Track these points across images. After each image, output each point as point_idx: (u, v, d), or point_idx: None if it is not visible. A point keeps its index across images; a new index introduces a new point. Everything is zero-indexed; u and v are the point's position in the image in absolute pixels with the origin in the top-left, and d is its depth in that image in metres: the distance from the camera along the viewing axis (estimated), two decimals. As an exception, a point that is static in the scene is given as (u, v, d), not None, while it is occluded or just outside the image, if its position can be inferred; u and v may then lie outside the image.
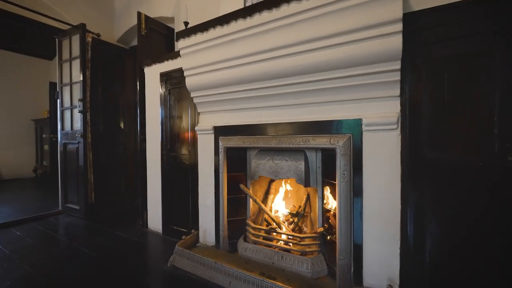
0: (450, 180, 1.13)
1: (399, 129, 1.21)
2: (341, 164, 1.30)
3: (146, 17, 2.42)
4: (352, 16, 1.14)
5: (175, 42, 1.77)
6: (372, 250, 1.28)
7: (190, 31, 1.64)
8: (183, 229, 1.99)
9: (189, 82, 1.75)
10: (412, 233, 1.20)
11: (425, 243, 1.18)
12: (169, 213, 2.16)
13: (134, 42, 3.41)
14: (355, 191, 1.30)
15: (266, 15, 1.34)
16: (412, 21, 1.16)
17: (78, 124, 2.68)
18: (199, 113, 1.90)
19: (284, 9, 1.28)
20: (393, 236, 1.24)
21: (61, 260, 1.79)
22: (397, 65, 1.13)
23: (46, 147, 5.48)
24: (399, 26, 1.07)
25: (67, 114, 2.79)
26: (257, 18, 1.37)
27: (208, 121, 1.84)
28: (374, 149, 1.26)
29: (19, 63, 5.43)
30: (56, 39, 2.94)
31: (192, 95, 1.81)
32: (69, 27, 2.74)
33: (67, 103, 2.79)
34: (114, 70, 3.10)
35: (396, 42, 1.09)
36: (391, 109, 1.22)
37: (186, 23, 1.77)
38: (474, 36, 1.07)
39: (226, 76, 1.58)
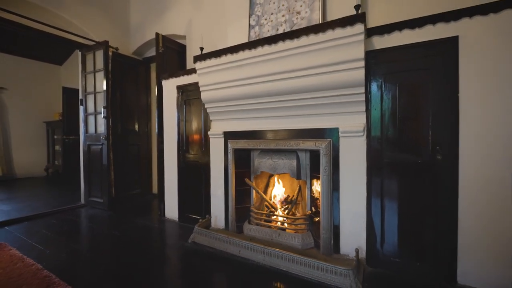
0: (400, 173, 1.56)
1: (365, 136, 1.64)
2: (324, 162, 1.72)
3: (163, 37, 2.83)
4: (330, 53, 1.57)
5: (193, 64, 2.15)
6: (346, 226, 1.71)
7: (205, 56, 2.05)
8: (197, 217, 2.40)
9: (204, 96, 2.17)
10: (372, 211, 1.63)
11: (383, 219, 1.61)
12: (184, 203, 2.58)
13: (147, 54, 3.82)
14: (334, 183, 1.73)
15: (266, 48, 1.76)
16: (374, 57, 1.59)
17: (101, 128, 3.07)
18: (211, 120, 2.31)
19: (280, 45, 1.70)
20: (361, 216, 1.66)
21: (98, 239, 2.20)
22: (362, 90, 1.56)
23: (57, 147, 5.85)
24: (361, 63, 1.50)
25: (91, 119, 3.19)
26: (259, 50, 1.79)
27: (219, 127, 2.26)
28: (348, 151, 1.69)
29: (31, 68, 5.78)
30: (80, 53, 3.33)
31: (206, 106, 2.22)
32: (93, 43, 3.13)
33: (90, 109, 3.19)
34: (129, 79, 3.51)
35: (360, 74, 1.52)
36: (359, 121, 1.65)
37: (201, 49, 2.18)
38: (417, 71, 1.51)
39: (234, 93, 2.00)
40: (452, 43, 1.42)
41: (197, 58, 2.10)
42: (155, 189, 3.86)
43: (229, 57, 1.93)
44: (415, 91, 1.52)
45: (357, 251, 1.59)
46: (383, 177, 1.61)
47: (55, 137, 5.85)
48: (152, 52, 3.73)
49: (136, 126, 3.62)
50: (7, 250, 1.89)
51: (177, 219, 2.62)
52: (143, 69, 3.75)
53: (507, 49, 1.32)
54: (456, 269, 1.44)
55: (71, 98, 5.54)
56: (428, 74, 1.47)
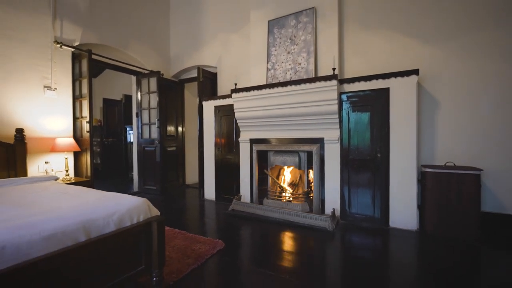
0: (357, 165, 2.68)
1: (339, 143, 2.75)
2: (315, 159, 2.84)
3: (203, 70, 3.94)
4: (318, 95, 2.68)
5: (229, 92, 3.26)
6: (328, 197, 2.82)
7: (239, 90, 3.16)
8: (229, 196, 3.51)
9: (237, 115, 3.28)
10: (342, 189, 2.75)
11: (349, 191, 2.73)
12: (220, 188, 3.69)
13: (182, 77, 4.93)
14: (321, 172, 2.84)
15: (280, 89, 2.88)
16: (345, 95, 2.71)
17: (154, 134, 4.19)
18: (240, 130, 3.43)
19: (289, 88, 2.82)
20: (337, 191, 2.78)
21: (168, 209, 3.29)
22: (336, 116, 2.67)
23: (94, 148, 6.95)
24: (336, 101, 2.61)
25: (146, 128, 4.30)
26: (275, 90, 2.90)
27: (246, 135, 3.37)
28: (329, 152, 2.81)
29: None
30: (134, 77, 4.44)
31: (237, 121, 3.34)
32: (146, 71, 4.25)
33: (145, 120, 4.30)
34: (169, 96, 4.62)
35: (335, 107, 2.63)
36: (335, 134, 2.77)
37: (235, 84, 3.29)
38: (367, 106, 2.62)
39: (258, 114, 3.11)
40: (386, 91, 2.54)
41: (233, 91, 3.22)
42: (188, 181, 4.98)
43: (255, 92, 3.05)
44: (366, 117, 2.63)
45: (333, 209, 2.71)
46: (348, 167, 2.73)
47: (93, 139, 6.95)
48: (186, 75, 4.86)
49: (174, 132, 4.73)
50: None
51: (214, 199, 3.74)
52: (179, 88, 4.87)
53: (410, 95, 2.43)
54: (388, 218, 2.55)
55: (108, 107, 6.67)
56: (373, 107, 2.59)
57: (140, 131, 4.38)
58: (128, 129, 6.26)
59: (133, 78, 4.49)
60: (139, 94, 4.39)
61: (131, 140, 6.14)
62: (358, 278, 1.66)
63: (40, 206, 1.36)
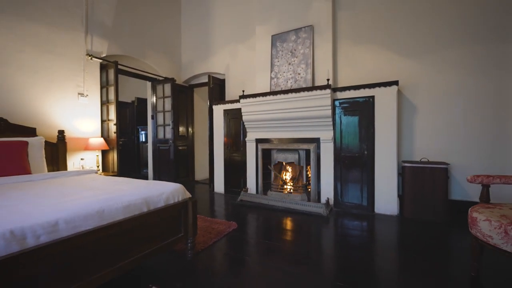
0: (348, 162, 3.15)
1: (332, 142, 3.23)
2: (312, 156, 3.31)
3: (213, 77, 4.41)
4: (314, 101, 3.15)
5: (237, 98, 3.73)
6: (324, 189, 3.30)
7: (246, 96, 3.64)
8: (237, 189, 3.98)
9: (244, 118, 3.76)
10: (335, 181, 3.22)
11: (341, 183, 3.20)
12: (228, 182, 4.16)
13: (192, 82, 5.40)
14: (318, 167, 3.32)
15: (282, 96, 3.35)
16: (338, 101, 3.19)
17: (168, 135, 4.66)
18: (246, 131, 3.90)
19: (289, 95, 3.29)
20: (331, 184, 3.25)
21: (182, 202, 3.76)
22: (330, 119, 3.14)
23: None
24: (329, 107, 3.08)
25: (160, 129, 4.77)
26: (278, 96, 3.37)
27: (252, 135, 3.84)
28: (324, 150, 3.28)
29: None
30: (149, 83, 4.91)
31: (244, 123, 3.81)
32: (161, 77, 4.72)
33: (160, 122, 4.78)
34: (181, 99, 5.09)
35: (329, 112, 3.11)
36: (330, 134, 3.24)
37: (243, 91, 3.76)
38: (356, 111, 3.10)
39: (262, 117, 3.58)
40: (372, 98, 3.01)
41: (241, 97, 3.69)
42: (197, 177, 5.45)
43: (261, 98, 3.52)
44: (355, 120, 3.11)
45: (327, 199, 3.19)
46: (340, 163, 3.20)
47: (106, 139, 7.41)
48: (195, 81, 5.33)
49: (185, 132, 5.20)
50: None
51: (223, 192, 4.21)
52: (189, 92, 5.34)
53: (392, 102, 2.91)
54: (374, 206, 3.02)
55: (120, 109, 7.12)
56: (361, 112, 3.07)
57: (155, 132, 4.85)
58: (139, 129, 6.72)
59: (148, 83, 4.96)
60: (153, 98, 4.87)
61: (142, 140, 6.62)
62: (346, 247, 2.14)
63: (106, 189, 1.83)
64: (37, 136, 2.89)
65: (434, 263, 1.84)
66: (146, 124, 5.90)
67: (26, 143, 2.56)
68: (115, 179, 2.28)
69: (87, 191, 1.73)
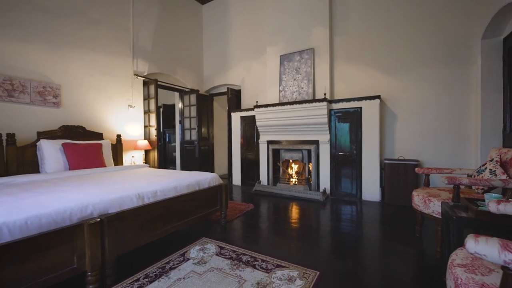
0: (341, 159, 3.95)
1: (329, 144, 4.04)
2: (313, 155, 4.13)
3: (230, 89, 5.30)
4: (314, 110, 3.96)
5: (251, 106, 4.59)
6: (322, 181, 4.11)
7: (260, 106, 4.49)
8: (252, 182, 4.85)
9: (258, 123, 4.61)
10: (331, 175, 4.03)
11: (336, 177, 4.01)
12: (244, 175, 5.04)
13: (212, 91, 6.31)
14: (317, 164, 4.14)
15: (288, 106, 4.18)
16: (333, 111, 3.99)
17: (193, 137, 5.58)
18: (259, 134, 4.75)
19: (294, 106, 4.12)
20: (327, 177, 4.06)
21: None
22: (327, 125, 3.95)
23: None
24: (326, 115, 3.89)
25: (187, 132, 5.70)
26: (285, 107, 4.21)
27: (264, 138, 4.70)
28: (322, 150, 4.09)
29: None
30: (178, 94, 5.85)
31: (258, 128, 4.67)
32: (189, 89, 5.65)
33: (187, 125, 5.71)
34: (202, 107, 6.00)
35: (326, 119, 3.92)
36: (327, 137, 4.05)
37: (257, 102, 4.62)
38: (347, 118, 3.89)
39: (272, 123, 4.43)
40: (360, 108, 3.80)
41: (255, 106, 4.55)
42: (216, 173, 6.36)
43: (271, 108, 4.37)
44: (346, 126, 3.90)
45: (324, 188, 4.00)
46: (335, 160, 4.00)
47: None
48: (215, 91, 6.23)
49: (206, 135, 6.11)
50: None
51: (240, 184, 5.09)
52: (210, 100, 6.25)
53: (375, 112, 3.68)
54: (361, 194, 3.81)
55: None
56: (352, 120, 3.86)
57: (182, 134, 5.79)
58: (166, 131, 7.70)
59: (176, 93, 5.90)
60: (180, 105, 5.80)
61: (168, 141, 7.60)
62: (339, 224, 2.96)
63: (169, 176, 2.72)
64: (103, 139, 3.85)
65: (402, 232, 2.64)
66: (171, 127, 6.89)
67: (101, 144, 3.52)
68: (166, 170, 3.19)
69: (157, 177, 2.64)
